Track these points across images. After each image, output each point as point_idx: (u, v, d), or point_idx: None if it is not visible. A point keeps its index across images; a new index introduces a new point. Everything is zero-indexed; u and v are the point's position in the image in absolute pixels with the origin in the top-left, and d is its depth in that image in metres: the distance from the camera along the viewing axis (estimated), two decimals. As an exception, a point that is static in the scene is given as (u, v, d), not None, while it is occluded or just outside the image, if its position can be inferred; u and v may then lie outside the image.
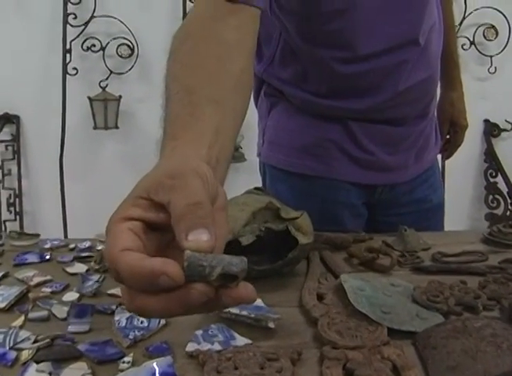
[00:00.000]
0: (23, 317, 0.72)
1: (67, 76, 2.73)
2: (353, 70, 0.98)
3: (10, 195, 2.84)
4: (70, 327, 0.69)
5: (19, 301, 0.78)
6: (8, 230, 2.70)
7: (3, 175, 2.84)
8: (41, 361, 0.61)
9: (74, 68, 2.73)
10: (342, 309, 0.70)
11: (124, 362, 0.61)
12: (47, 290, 0.81)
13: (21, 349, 0.64)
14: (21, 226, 2.81)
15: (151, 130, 2.64)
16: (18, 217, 2.85)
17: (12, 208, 2.85)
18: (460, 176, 2.89)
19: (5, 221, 2.84)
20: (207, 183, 0.41)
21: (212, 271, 0.37)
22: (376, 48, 0.96)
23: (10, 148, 2.83)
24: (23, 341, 0.66)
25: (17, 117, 2.80)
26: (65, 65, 2.72)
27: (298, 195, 1.04)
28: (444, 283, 0.79)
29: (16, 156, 2.84)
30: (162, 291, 0.36)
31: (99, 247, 0.98)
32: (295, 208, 0.88)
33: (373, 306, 0.69)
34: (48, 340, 0.65)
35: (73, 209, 2.77)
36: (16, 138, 2.82)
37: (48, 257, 0.95)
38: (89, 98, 2.72)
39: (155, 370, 0.57)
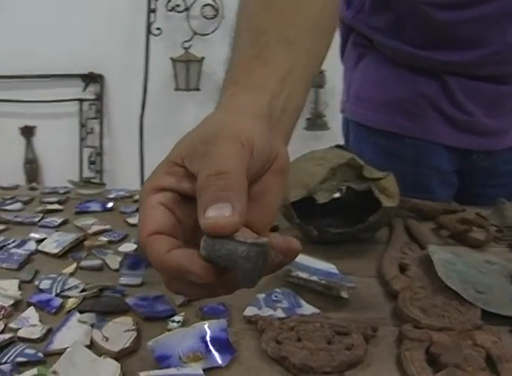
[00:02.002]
0: (75, 265, 0.68)
1: (151, 36, 2.72)
2: (453, 17, 0.84)
3: (92, 153, 2.91)
4: (121, 278, 0.64)
5: (75, 249, 0.73)
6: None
7: (86, 133, 2.91)
8: (86, 311, 0.56)
9: (158, 28, 2.71)
10: (427, 284, 0.59)
11: (173, 321, 0.55)
12: (104, 239, 0.76)
13: (67, 297, 0.60)
14: (101, 184, 2.88)
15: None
16: (99, 175, 2.92)
17: (93, 166, 2.92)
18: None
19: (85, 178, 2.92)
20: (248, 149, 0.34)
21: (230, 264, 0.31)
22: None
23: (94, 107, 2.88)
24: (70, 288, 0.62)
25: (101, 77, 2.83)
26: (149, 25, 2.70)
27: (384, 156, 0.93)
28: (553, 265, 0.66)
29: (98, 115, 2.89)
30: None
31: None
32: (380, 170, 0.77)
33: (464, 283, 0.58)
34: (95, 290, 0.60)
35: (152, 169, 2.78)
36: (99, 97, 2.87)
37: (110, 206, 0.91)
38: (172, 59, 2.70)
39: (205, 333, 0.50)
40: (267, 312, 0.56)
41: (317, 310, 0.57)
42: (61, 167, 2.88)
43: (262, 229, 0.37)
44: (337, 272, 0.64)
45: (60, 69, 2.75)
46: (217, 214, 0.30)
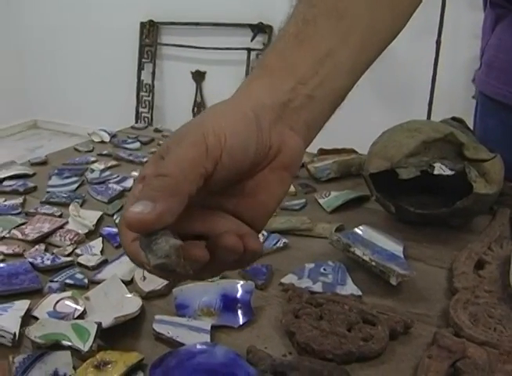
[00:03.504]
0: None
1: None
2: None
3: (254, 102, 3.00)
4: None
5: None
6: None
7: (250, 82, 3.00)
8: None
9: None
10: (497, 289, 0.51)
11: (213, 274, 0.55)
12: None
13: (134, 234, 0.64)
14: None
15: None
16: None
17: (253, 115, 3.02)
18: None
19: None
20: (213, 152, 0.32)
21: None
22: None
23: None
24: (140, 226, 0.65)
25: (270, 28, 2.86)
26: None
27: (510, 134, 0.80)
28: None
29: (264, 65, 2.95)
30: None
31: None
32: (504, 150, 0.67)
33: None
34: (157, 231, 0.63)
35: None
36: (266, 47, 2.91)
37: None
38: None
39: (232, 291, 0.50)
40: (305, 283, 0.54)
41: (359, 292, 0.53)
42: (225, 113, 3.03)
43: (256, 225, 0.35)
44: (401, 255, 0.58)
45: (232, 18, 2.85)
46: (137, 209, 0.29)
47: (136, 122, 3.19)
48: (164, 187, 0.30)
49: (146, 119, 3.28)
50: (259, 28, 2.85)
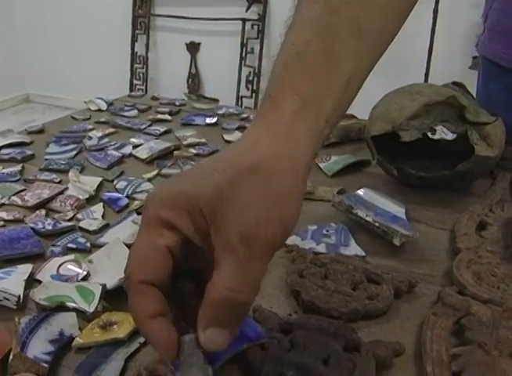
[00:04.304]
0: (156, 171, 0.71)
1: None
2: None
3: (250, 73, 2.97)
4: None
5: (164, 157, 0.77)
6: (243, 106, 2.84)
7: (246, 53, 2.96)
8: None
9: None
10: (499, 249, 0.51)
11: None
12: (193, 151, 0.79)
13: (135, 199, 0.63)
14: (255, 104, 2.95)
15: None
16: (254, 95, 2.98)
17: (249, 86, 2.99)
18: None
19: (242, 97, 3.01)
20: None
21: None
22: None
23: (256, 27, 2.90)
24: (141, 192, 0.65)
25: (266, -3, 2.82)
26: None
27: (512, 99, 0.79)
28: None
29: (259, 35, 2.91)
30: None
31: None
32: (506, 115, 0.67)
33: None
34: (158, 196, 0.62)
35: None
36: (261, 18, 2.87)
37: (213, 121, 0.92)
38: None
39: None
40: (308, 244, 0.54)
41: (362, 253, 0.53)
42: (220, 84, 3.01)
43: None
44: (403, 217, 0.58)
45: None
46: (215, 336, 0.29)
47: (130, 95, 3.15)
48: (242, 315, 0.30)
49: (141, 91, 3.25)
50: (254, -3, 2.81)
